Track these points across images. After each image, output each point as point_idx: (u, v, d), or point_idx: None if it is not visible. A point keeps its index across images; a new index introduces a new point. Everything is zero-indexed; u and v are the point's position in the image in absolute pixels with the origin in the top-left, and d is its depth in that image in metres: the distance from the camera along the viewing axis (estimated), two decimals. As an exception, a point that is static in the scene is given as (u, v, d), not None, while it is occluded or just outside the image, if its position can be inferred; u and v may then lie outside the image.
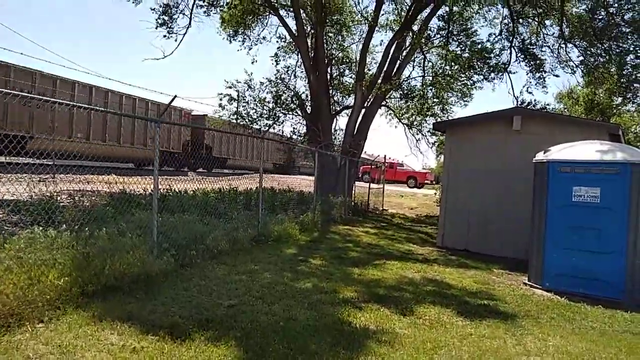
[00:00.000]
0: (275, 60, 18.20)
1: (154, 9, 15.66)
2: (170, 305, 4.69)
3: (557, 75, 30.98)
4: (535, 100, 18.27)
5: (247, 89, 16.89)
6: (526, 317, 5.35)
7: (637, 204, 6.36)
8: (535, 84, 17.54)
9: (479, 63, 16.58)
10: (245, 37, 17.64)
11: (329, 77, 17.25)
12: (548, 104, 20.91)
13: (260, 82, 17.24)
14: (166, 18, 15.73)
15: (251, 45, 17.80)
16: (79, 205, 7.15)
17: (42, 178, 8.19)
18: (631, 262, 6.35)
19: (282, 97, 17.31)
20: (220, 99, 16.67)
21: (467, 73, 17.16)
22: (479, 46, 16.52)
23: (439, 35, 17.51)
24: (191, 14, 16.06)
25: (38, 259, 4.44)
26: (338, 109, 18.61)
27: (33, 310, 3.96)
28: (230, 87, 16.72)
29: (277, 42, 18.40)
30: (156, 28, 15.66)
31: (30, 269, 4.31)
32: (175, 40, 16.04)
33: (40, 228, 4.90)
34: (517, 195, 9.10)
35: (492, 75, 16.97)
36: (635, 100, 18.46)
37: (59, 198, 7.40)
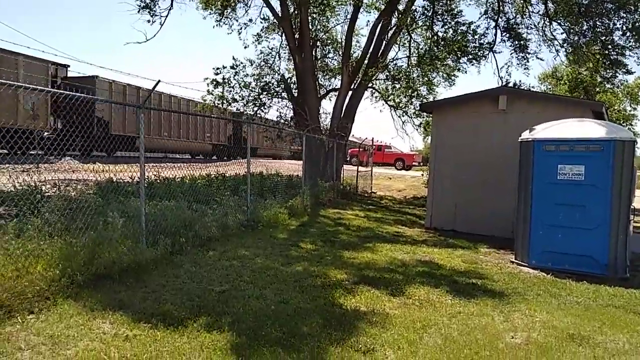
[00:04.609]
0: (258, 41, 18.02)
1: None
2: (161, 292, 4.70)
3: (541, 59, 31.16)
4: (520, 81, 18.32)
5: (235, 75, 16.75)
6: (513, 295, 5.46)
7: (620, 180, 6.48)
8: (517, 64, 17.58)
9: (464, 45, 16.48)
10: (229, 20, 17.35)
11: (314, 59, 17.10)
12: (533, 86, 21.04)
13: (244, 65, 17.04)
14: (148, 0, 15.32)
15: (240, 30, 17.57)
16: (65, 195, 7.05)
17: (26, 168, 8.06)
18: (614, 237, 6.49)
19: (269, 82, 17.17)
20: (208, 85, 16.54)
21: (452, 55, 17.09)
22: (464, 27, 16.46)
23: (423, 17, 17.41)
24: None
25: (25, 250, 4.40)
26: (324, 91, 18.51)
27: (22, 302, 3.94)
28: (217, 74, 16.58)
29: (262, 23, 18.16)
30: (138, 12, 15.28)
31: (18, 260, 4.27)
32: (159, 23, 15.67)
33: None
34: (503, 174, 9.19)
35: (479, 54, 16.92)
36: (614, 81, 18.60)
37: (43, 188, 7.29)
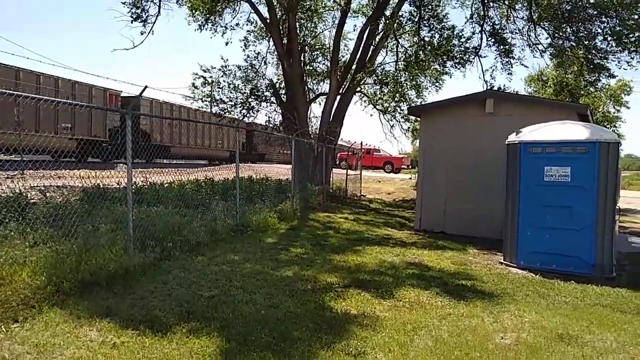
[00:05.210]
0: (245, 44, 17.99)
1: (124, 2, 15.24)
2: (149, 299, 4.64)
3: (526, 66, 31.65)
4: (504, 85, 18.54)
5: (222, 75, 16.74)
6: (502, 295, 5.49)
7: (606, 181, 6.57)
8: (502, 69, 17.79)
9: (449, 50, 16.61)
10: (216, 25, 17.33)
11: (302, 64, 17.14)
12: (517, 91, 21.31)
13: (231, 69, 17.02)
14: (139, 11, 15.34)
15: (224, 30, 17.55)
16: (51, 201, 6.96)
17: (10, 175, 7.94)
18: (601, 237, 6.57)
19: (257, 86, 17.16)
20: (194, 79, 16.49)
21: (438, 59, 17.23)
22: (450, 31, 16.61)
23: (410, 22, 17.55)
24: (160, 1, 15.67)
25: (9, 258, 4.33)
26: (312, 96, 18.54)
27: (6, 311, 3.86)
28: (205, 71, 16.56)
29: (249, 26, 18.18)
30: (132, 22, 15.29)
31: (1, 268, 4.20)
32: (143, 34, 15.64)
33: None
34: (491, 176, 9.27)
35: (464, 58, 17.06)
36: (597, 84, 19.00)
37: (28, 195, 7.19)
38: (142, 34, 15.52)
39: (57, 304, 4.22)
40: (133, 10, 15.25)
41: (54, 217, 5.52)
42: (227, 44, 18.76)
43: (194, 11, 16.79)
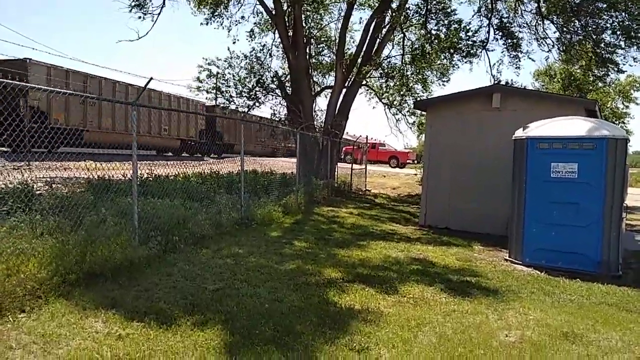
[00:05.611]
0: (251, 36, 17.94)
1: None
2: (154, 291, 4.66)
3: (532, 59, 31.32)
4: (511, 80, 18.35)
5: (228, 67, 16.75)
6: (507, 293, 5.47)
7: (613, 178, 6.51)
8: (509, 63, 17.63)
9: (456, 43, 16.47)
10: (222, 18, 17.28)
11: (308, 56, 17.08)
12: (525, 86, 21.15)
13: (238, 55, 17.02)
14: (142, 0, 15.27)
15: (230, 25, 17.49)
16: (56, 193, 6.98)
17: (17, 166, 7.97)
18: (607, 235, 6.53)
19: (262, 78, 17.15)
20: (199, 72, 16.56)
21: (445, 53, 17.10)
22: (457, 24, 16.46)
23: (417, 15, 17.41)
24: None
25: (16, 249, 4.35)
26: (318, 89, 18.47)
27: (13, 301, 3.89)
28: (210, 64, 16.58)
29: (255, 16, 18.15)
30: (130, 11, 15.22)
31: (8, 259, 4.22)
32: (151, 20, 15.59)
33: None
34: (496, 172, 9.21)
35: (471, 52, 16.91)
36: (606, 79, 18.82)
37: (34, 186, 7.21)
38: (140, 18, 15.40)
39: (63, 294, 4.25)
40: (136, 2, 15.18)
41: (60, 208, 5.53)
42: (234, 42, 18.88)
43: (199, 5, 16.74)
